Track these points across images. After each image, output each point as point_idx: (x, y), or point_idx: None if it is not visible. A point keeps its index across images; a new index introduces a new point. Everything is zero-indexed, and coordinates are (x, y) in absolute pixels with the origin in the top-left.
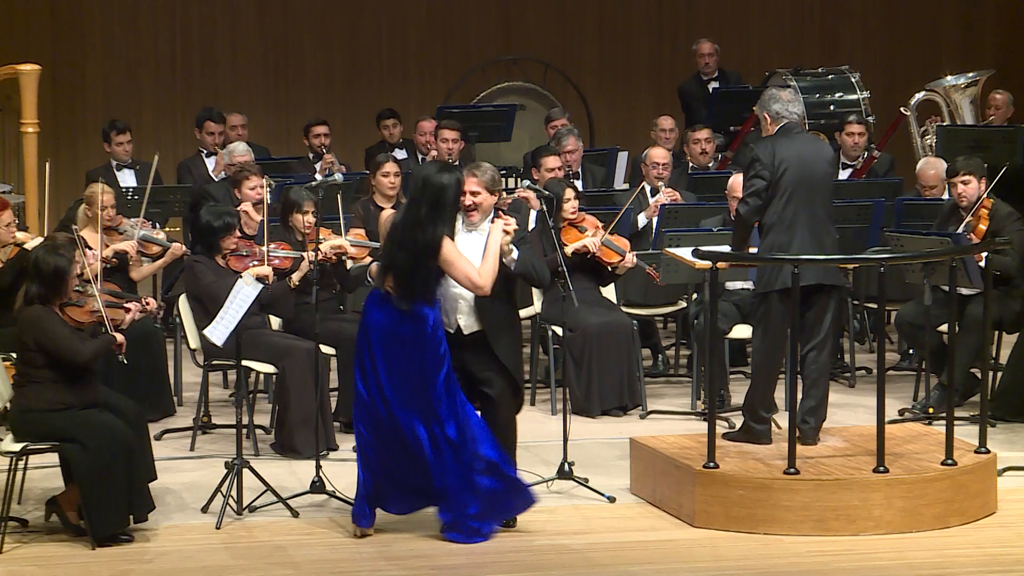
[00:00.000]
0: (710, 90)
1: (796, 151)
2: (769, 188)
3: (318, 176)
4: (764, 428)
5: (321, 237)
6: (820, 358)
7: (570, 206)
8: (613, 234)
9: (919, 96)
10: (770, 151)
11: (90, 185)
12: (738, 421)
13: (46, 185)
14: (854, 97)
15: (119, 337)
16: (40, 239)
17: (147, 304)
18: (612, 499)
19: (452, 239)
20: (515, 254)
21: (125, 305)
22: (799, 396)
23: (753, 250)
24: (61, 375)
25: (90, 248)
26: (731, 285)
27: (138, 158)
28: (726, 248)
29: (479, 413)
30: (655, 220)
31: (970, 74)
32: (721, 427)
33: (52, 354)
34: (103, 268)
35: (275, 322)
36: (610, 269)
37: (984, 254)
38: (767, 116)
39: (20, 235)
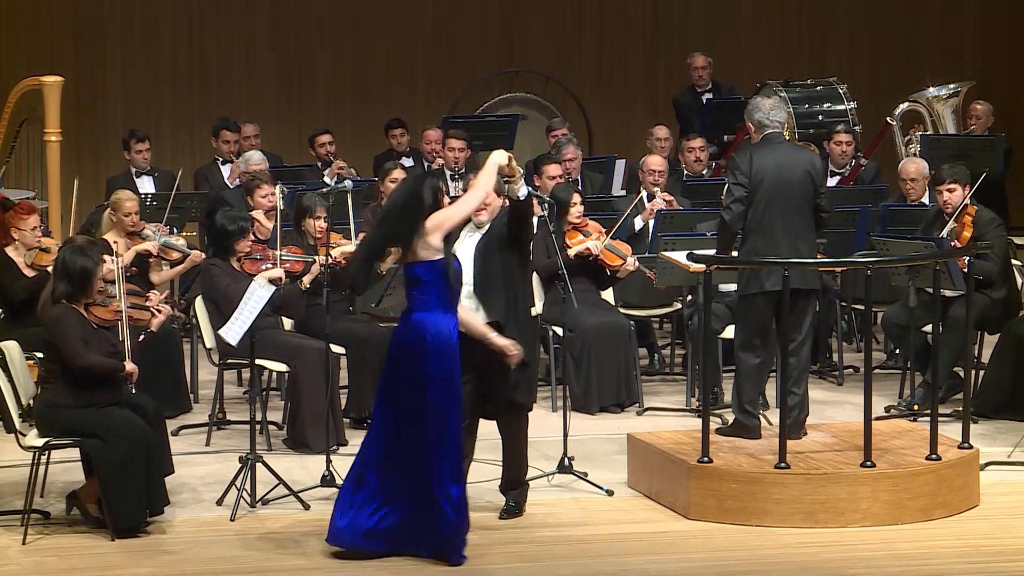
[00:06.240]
0: (704, 101)
1: (774, 160)
2: (748, 195)
3: (328, 182)
4: (753, 423)
5: (332, 242)
6: (801, 357)
7: (576, 211)
8: (615, 239)
9: (904, 106)
10: (748, 160)
11: (116, 191)
12: (731, 417)
13: (73, 197)
14: (842, 107)
15: (129, 366)
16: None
17: (160, 309)
18: (610, 492)
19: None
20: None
21: (155, 308)
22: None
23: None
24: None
25: (117, 253)
26: (724, 287)
27: (157, 166)
28: None
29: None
30: (651, 224)
31: (952, 85)
32: (715, 423)
33: (57, 351)
34: (125, 274)
35: (287, 323)
36: (610, 273)
37: (967, 258)
38: (751, 126)
39: (46, 240)
